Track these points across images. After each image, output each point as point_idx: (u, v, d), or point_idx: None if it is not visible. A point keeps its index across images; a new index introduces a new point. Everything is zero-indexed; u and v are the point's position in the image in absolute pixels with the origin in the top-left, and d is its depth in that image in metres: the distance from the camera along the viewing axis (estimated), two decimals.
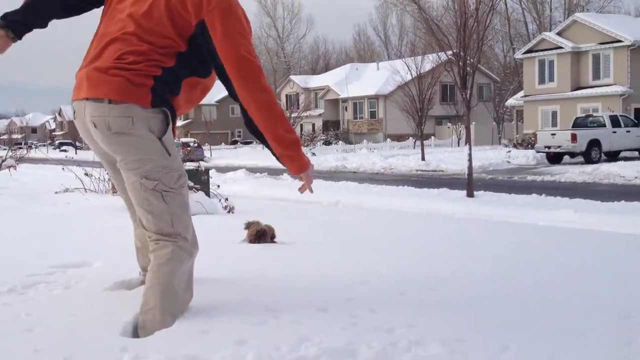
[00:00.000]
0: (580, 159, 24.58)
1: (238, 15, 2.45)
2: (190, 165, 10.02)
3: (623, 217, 9.92)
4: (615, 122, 26.10)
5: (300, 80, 57.66)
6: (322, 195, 13.61)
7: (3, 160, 13.05)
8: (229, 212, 8.31)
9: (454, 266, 3.98)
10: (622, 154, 26.15)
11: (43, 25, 2.62)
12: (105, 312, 2.60)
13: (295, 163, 2.57)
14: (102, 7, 2.66)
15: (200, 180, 9.65)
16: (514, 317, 2.75)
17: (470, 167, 14.54)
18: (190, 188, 8.31)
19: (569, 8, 53.12)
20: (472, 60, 14.84)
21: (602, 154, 24.77)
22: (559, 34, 34.92)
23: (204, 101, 68.32)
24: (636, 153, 26.34)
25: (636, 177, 18.01)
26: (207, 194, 9.18)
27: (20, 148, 18.95)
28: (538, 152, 25.90)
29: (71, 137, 71.87)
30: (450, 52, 15.47)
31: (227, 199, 8.78)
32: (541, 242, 5.72)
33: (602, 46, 32.75)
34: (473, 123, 15.84)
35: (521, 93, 38.23)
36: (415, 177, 21.48)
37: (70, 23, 3.12)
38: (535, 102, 35.66)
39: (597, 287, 3.52)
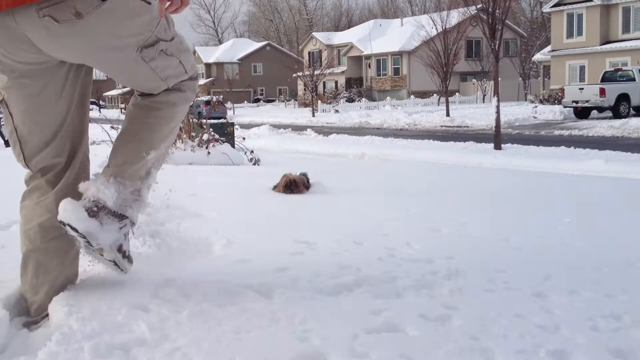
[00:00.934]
0: (609, 113, 24.14)
1: None
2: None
3: None
4: None
5: (323, 37, 56.88)
6: (348, 149, 13.58)
7: None
8: (254, 164, 8.32)
9: (484, 209, 3.95)
10: None
11: None
12: None
13: None
14: None
15: (225, 132, 9.66)
16: (553, 252, 2.73)
17: (498, 119, 14.32)
18: (216, 140, 8.33)
19: None
20: (499, 12, 14.49)
21: (631, 109, 24.31)
22: None
23: (225, 59, 66.93)
24: None
25: None
26: (232, 145, 9.20)
27: None
28: (565, 107, 25.46)
29: (95, 96, 72.26)
30: (477, 6, 15.12)
31: (252, 152, 8.79)
32: (575, 189, 5.66)
33: None
34: (499, 78, 15.56)
35: (548, 48, 37.41)
36: (440, 132, 21.29)
37: None
38: (562, 57, 34.89)
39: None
